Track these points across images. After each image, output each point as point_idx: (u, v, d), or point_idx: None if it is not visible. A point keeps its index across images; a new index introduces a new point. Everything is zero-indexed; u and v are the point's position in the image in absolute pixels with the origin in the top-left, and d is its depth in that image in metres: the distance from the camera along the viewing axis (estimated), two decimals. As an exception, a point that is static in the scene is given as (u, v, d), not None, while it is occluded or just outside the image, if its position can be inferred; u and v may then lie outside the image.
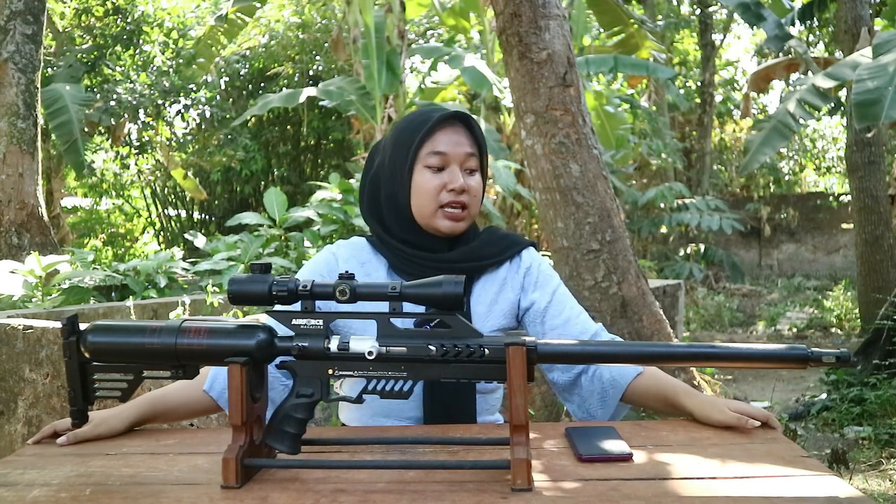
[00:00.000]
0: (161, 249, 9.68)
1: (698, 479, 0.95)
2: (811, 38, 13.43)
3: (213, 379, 1.29)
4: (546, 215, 3.37)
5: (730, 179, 16.13)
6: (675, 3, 14.98)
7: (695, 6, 14.68)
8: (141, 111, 9.72)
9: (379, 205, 1.39)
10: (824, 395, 4.58)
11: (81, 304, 3.68)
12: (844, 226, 12.99)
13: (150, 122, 10.15)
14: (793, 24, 8.45)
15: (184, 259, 4.87)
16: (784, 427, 3.83)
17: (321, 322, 1.01)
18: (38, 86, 5.96)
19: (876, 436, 3.77)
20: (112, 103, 9.19)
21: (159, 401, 1.28)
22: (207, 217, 11.51)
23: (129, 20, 10.07)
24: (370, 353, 0.99)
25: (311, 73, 10.61)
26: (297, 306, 1.02)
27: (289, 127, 10.99)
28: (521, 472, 0.92)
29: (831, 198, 13.93)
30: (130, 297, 3.81)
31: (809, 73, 7.47)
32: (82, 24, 10.30)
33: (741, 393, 5.06)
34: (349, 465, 1.02)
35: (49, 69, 9.11)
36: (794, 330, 8.30)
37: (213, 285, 3.88)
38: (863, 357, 4.63)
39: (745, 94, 10.54)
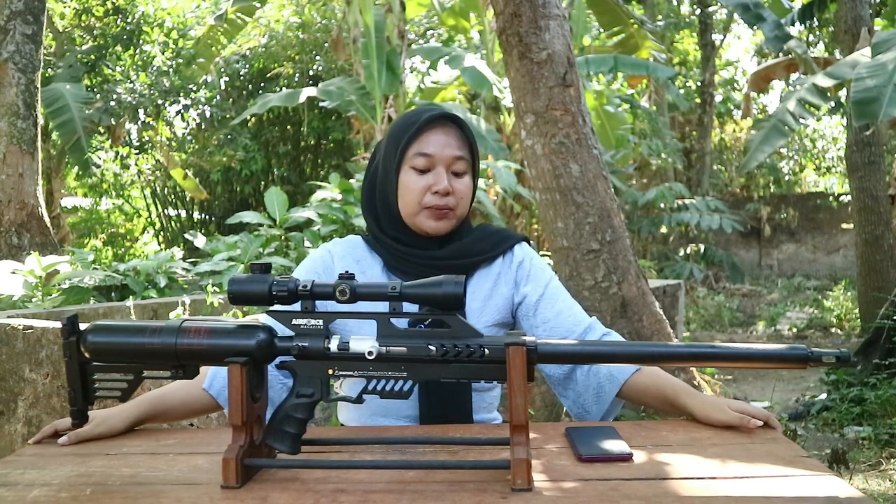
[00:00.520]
0: (161, 249, 9.68)
1: (698, 479, 0.95)
2: (811, 38, 13.43)
3: (213, 377, 1.29)
4: (546, 215, 3.37)
5: (730, 179, 16.13)
6: (675, 3, 14.98)
7: (695, 6, 14.69)
8: (141, 111, 9.73)
9: (375, 203, 1.40)
10: (824, 395, 4.58)
11: (81, 304, 3.68)
12: (844, 226, 12.99)
13: (150, 122, 10.16)
14: (793, 24, 8.44)
15: (184, 259, 4.87)
16: (784, 427, 3.83)
17: (321, 322, 1.01)
18: (38, 86, 5.96)
19: (876, 436, 3.77)
20: (112, 103, 9.19)
21: (159, 400, 1.28)
22: (207, 217, 11.51)
23: (129, 20, 10.08)
24: (370, 353, 0.99)
25: (311, 73, 10.61)
26: (297, 306, 1.02)
27: (289, 127, 10.99)
28: (521, 472, 0.92)
29: (831, 198, 13.93)
30: (130, 297, 3.81)
31: (808, 74, 7.47)
32: (82, 24, 10.30)
33: (741, 393, 5.06)
34: (349, 465, 1.02)
35: (49, 69, 9.11)
36: (794, 330, 8.30)
37: (213, 285, 3.88)
38: (863, 357, 4.63)
39: (745, 94, 10.54)
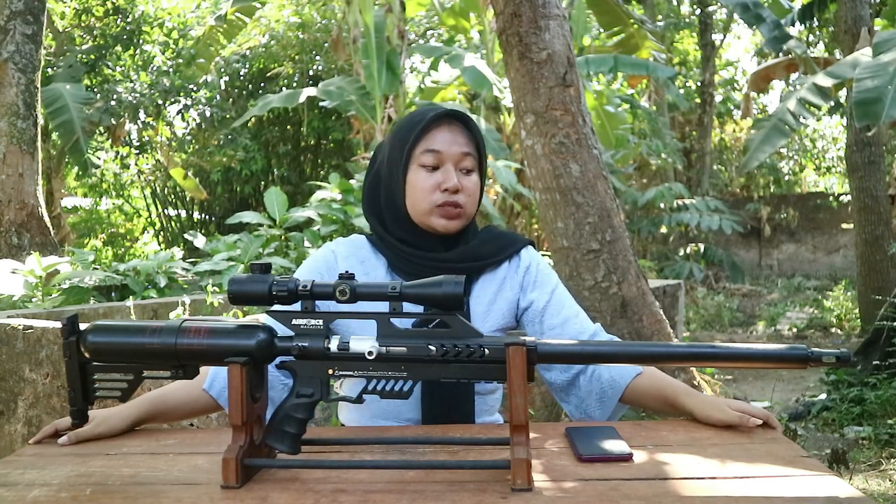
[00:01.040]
0: (161, 249, 9.67)
1: (698, 479, 0.95)
2: (811, 38, 13.43)
3: (213, 378, 1.29)
4: (546, 215, 3.37)
5: (730, 179, 16.14)
6: (675, 3, 14.98)
7: (695, 6, 14.69)
8: (141, 111, 9.73)
9: (379, 204, 1.39)
10: (824, 395, 4.58)
11: (81, 304, 3.68)
12: (844, 226, 12.99)
13: (150, 122, 10.16)
14: (792, 24, 8.45)
15: (184, 259, 4.87)
16: (784, 427, 3.83)
17: (321, 322, 1.01)
18: (38, 86, 5.96)
19: (876, 436, 3.77)
20: (112, 103, 9.19)
21: (159, 400, 1.28)
22: (207, 217, 11.51)
23: (129, 20, 10.08)
24: (370, 353, 0.99)
25: (311, 73, 10.61)
26: (297, 306, 1.02)
27: (289, 127, 10.99)
28: (521, 472, 0.92)
29: (831, 198, 13.93)
30: (130, 297, 3.81)
31: (808, 74, 7.47)
32: (82, 24, 10.30)
33: (741, 393, 5.06)
34: (349, 465, 1.02)
35: (49, 69, 9.11)
36: (794, 330, 8.30)
37: (213, 285, 3.88)
38: (863, 357, 4.63)
39: (745, 94, 10.54)
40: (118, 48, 10.11)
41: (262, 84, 10.83)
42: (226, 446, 0.97)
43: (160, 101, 9.71)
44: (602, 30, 8.78)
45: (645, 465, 1.01)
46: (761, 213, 13.58)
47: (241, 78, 10.99)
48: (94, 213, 11.89)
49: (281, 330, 1.05)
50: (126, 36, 10.05)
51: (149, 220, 12.01)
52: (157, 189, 11.34)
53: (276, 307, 1.03)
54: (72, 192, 12.22)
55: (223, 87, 10.91)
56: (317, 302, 1.02)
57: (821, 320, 8.64)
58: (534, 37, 3.25)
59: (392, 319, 1.01)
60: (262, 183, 10.59)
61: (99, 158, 10.32)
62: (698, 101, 14.42)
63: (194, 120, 10.63)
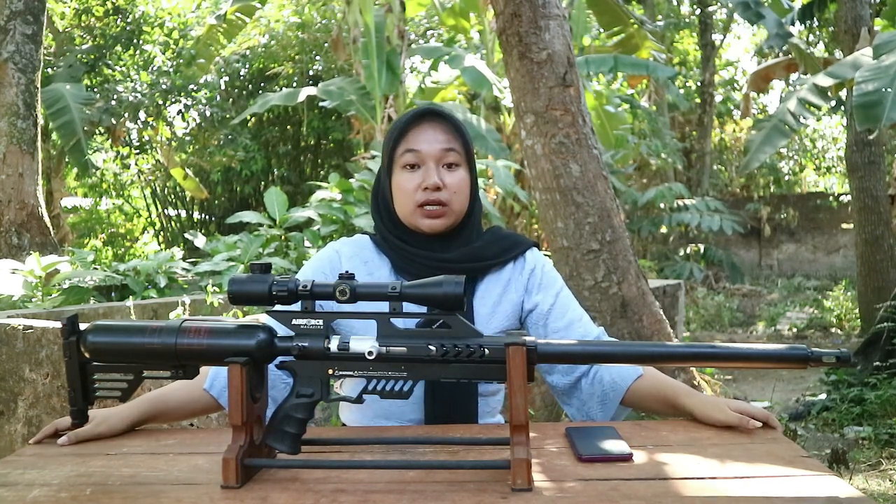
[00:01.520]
0: (161, 249, 9.67)
1: (698, 479, 0.95)
2: (811, 38, 13.43)
3: (214, 378, 1.29)
4: (546, 215, 3.37)
5: (730, 179, 16.14)
6: (675, 3, 14.98)
7: (695, 6, 14.69)
8: (141, 111, 9.73)
9: (379, 207, 1.40)
10: (824, 395, 4.57)
11: (81, 304, 3.68)
12: (844, 226, 12.99)
13: (151, 122, 10.16)
14: (792, 24, 8.45)
15: (184, 259, 4.87)
16: (784, 427, 3.83)
17: (321, 322, 1.01)
18: (38, 86, 5.96)
19: (876, 436, 3.77)
20: (112, 103, 9.19)
21: (160, 400, 1.28)
22: (207, 217, 11.51)
23: (129, 20, 10.08)
24: (370, 353, 0.99)
25: (311, 73, 10.60)
26: (297, 306, 1.02)
27: (289, 127, 10.99)
28: (521, 472, 0.92)
29: (831, 198, 13.93)
30: (130, 297, 3.81)
31: (809, 72, 7.47)
32: (82, 24, 10.30)
33: (741, 393, 5.06)
34: (349, 465, 1.02)
35: (49, 69, 9.11)
36: (794, 330, 8.30)
37: (213, 285, 3.88)
38: (863, 357, 4.63)
39: (745, 94, 10.54)
40: (118, 48, 10.11)
41: (262, 84, 10.83)
42: (226, 446, 0.97)
43: (160, 101, 9.71)
44: (602, 30, 8.78)
45: (645, 465, 1.01)
46: (761, 213, 13.58)
47: (241, 78, 10.99)
48: (94, 213, 11.89)
49: (281, 330, 1.05)
50: (126, 36, 10.05)
51: (149, 220, 12.01)
52: (157, 189, 11.34)
53: (276, 307, 1.03)
54: (72, 192, 12.22)
55: (223, 86, 10.91)
56: (317, 302, 1.02)
57: (821, 320, 8.64)
58: (534, 37, 3.25)
59: (392, 319, 1.01)
60: (262, 183, 10.59)
61: (98, 159, 10.32)
62: (698, 101, 14.42)
63: (194, 120, 10.63)
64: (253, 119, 10.45)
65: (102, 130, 9.87)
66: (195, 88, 9.96)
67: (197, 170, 10.62)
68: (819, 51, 13.33)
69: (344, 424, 1.44)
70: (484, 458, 1.06)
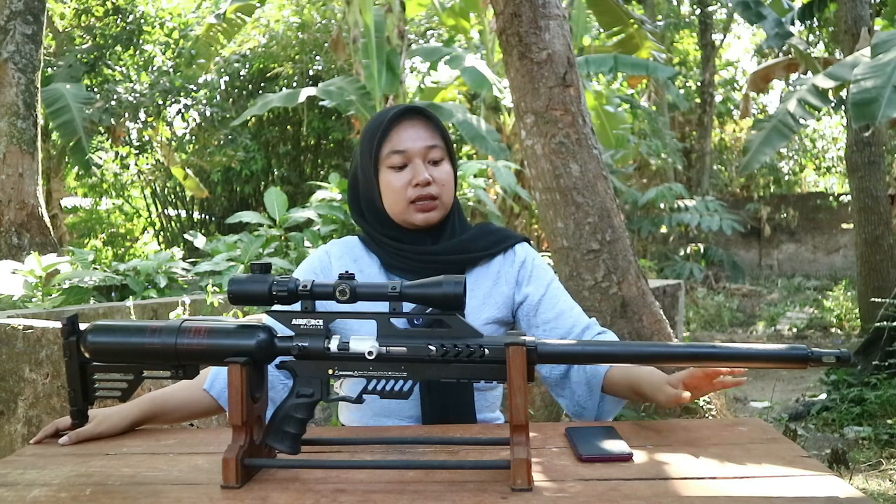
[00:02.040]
0: (161, 249, 9.67)
1: (698, 479, 0.95)
2: (811, 38, 13.43)
3: (214, 378, 1.29)
4: (546, 215, 3.37)
5: (730, 179, 16.14)
6: (675, 3, 14.98)
7: (695, 6, 14.69)
8: (141, 111, 9.73)
9: (361, 206, 1.42)
10: (824, 395, 4.57)
11: (81, 304, 3.68)
12: (844, 226, 12.99)
13: (151, 122, 10.16)
14: (792, 23, 8.45)
15: (184, 259, 4.87)
16: (784, 427, 3.83)
17: (321, 322, 1.02)
18: (38, 86, 5.95)
19: (876, 436, 3.77)
20: (112, 103, 9.19)
21: (160, 400, 1.28)
22: (207, 217, 11.50)
23: (129, 20, 10.08)
24: (370, 353, 1.00)
25: (311, 73, 10.60)
26: (297, 306, 1.02)
27: (289, 127, 10.99)
28: (521, 472, 0.92)
29: (831, 198, 13.93)
30: (130, 297, 3.81)
31: (809, 72, 7.47)
32: (82, 24, 10.30)
33: (741, 393, 5.06)
34: (349, 465, 1.02)
35: (49, 69, 9.11)
36: (794, 330, 8.30)
37: (213, 285, 3.88)
38: (863, 357, 4.63)
39: (744, 94, 10.54)
40: (118, 48, 10.11)
41: (262, 84, 10.83)
42: (226, 446, 0.98)
43: (160, 101, 9.71)
44: (602, 30, 8.77)
45: (645, 465, 1.01)
46: (761, 213, 13.58)
47: (241, 78, 10.98)
48: (94, 213, 11.89)
49: (281, 330, 1.05)
50: (126, 36, 10.05)
51: (149, 220, 12.00)
52: (157, 189, 11.34)
53: (276, 307, 1.03)
54: (72, 192, 12.22)
55: (223, 87, 10.91)
56: (316, 302, 1.02)
57: (821, 320, 8.64)
58: (534, 37, 3.24)
59: (392, 319, 1.01)
60: (262, 183, 10.59)
61: (100, 158, 10.32)
62: (698, 101, 14.42)
63: (194, 120, 10.62)
64: (253, 119, 10.44)
65: (102, 130, 9.87)
66: (195, 88, 9.96)
67: (197, 170, 10.62)
68: (819, 51, 13.33)
69: (343, 426, 1.44)
70: (484, 458, 1.06)
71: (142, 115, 9.94)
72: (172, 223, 11.41)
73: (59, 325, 1.42)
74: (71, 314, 1.08)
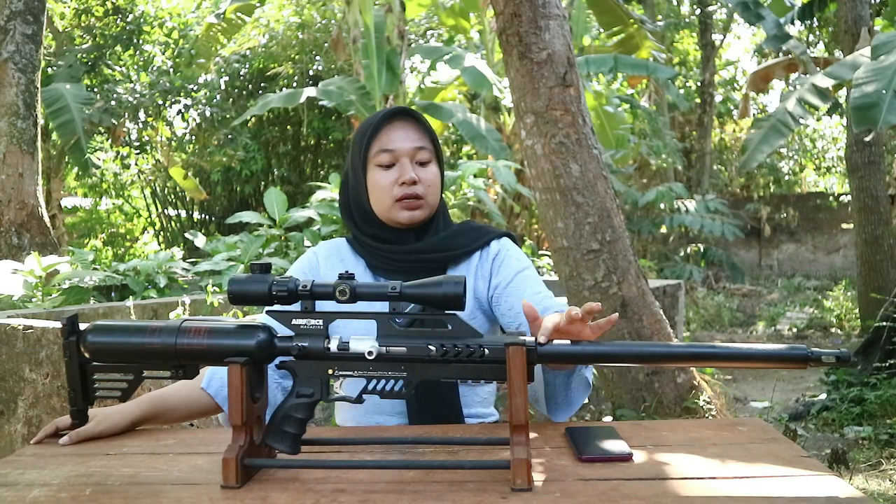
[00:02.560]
0: (161, 249, 9.66)
1: (698, 479, 0.95)
2: (811, 38, 13.43)
3: (211, 377, 1.30)
4: (546, 215, 3.37)
5: (730, 179, 16.13)
6: (675, 3, 14.98)
7: (695, 6, 14.69)
8: (141, 111, 9.73)
9: (350, 207, 1.44)
10: (824, 395, 4.57)
11: (81, 304, 3.68)
12: (844, 226, 12.99)
13: (151, 122, 10.15)
14: (792, 23, 8.44)
15: (184, 259, 4.87)
16: (784, 427, 3.83)
17: (321, 322, 1.02)
18: (38, 86, 5.96)
19: (876, 436, 3.77)
20: (112, 103, 9.19)
21: (160, 399, 1.29)
22: (207, 217, 11.50)
23: (129, 20, 10.07)
24: (370, 353, 1.00)
25: (311, 73, 10.60)
26: (296, 306, 1.02)
27: (289, 127, 10.98)
28: (521, 472, 0.92)
29: (831, 198, 13.93)
30: (130, 297, 3.81)
31: (808, 74, 7.47)
32: (82, 24, 10.30)
33: (741, 393, 5.06)
34: (349, 465, 1.03)
35: (49, 69, 9.11)
36: (794, 330, 8.29)
37: (213, 285, 3.89)
38: (863, 357, 4.63)
39: (744, 94, 10.53)
40: (118, 48, 10.11)
41: (262, 84, 10.82)
42: (226, 446, 0.98)
43: (160, 101, 9.71)
44: (602, 30, 8.78)
45: (645, 465, 1.01)
46: (761, 213, 13.58)
47: (241, 78, 10.98)
48: (94, 213, 11.88)
49: (281, 330, 1.05)
50: (126, 36, 10.05)
51: (149, 220, 12.00)
52: (157, 189, 11.33)
53: (276, 307, 1.03)
54: (72, 192, 12.22)
55: (223, 86, 10.90)
56: (316, 302, 1.02)
57: (821, 320, 8.64)
58: (534, 37, 3.24)
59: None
60: (262, 183, 10.59)
61: (99, 159, 10.31)
62: (698, 101, 14.42)
63: (194, 120, 10.62)
64: (253, 119, 10.43)
65: (102, 130, 9.87)
66: (195, 88, 9.96)
67: (197, 170, 10.62)
68: (819, 51, 13.33)
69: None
70: (484, 458, 1.06)
71: (142, 115, 9.93)
72: (172, 223, 11.41)
73: (59, 325, 1.42)
74: (71, 314, 1.08)
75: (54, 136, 8.69)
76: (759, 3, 7.60)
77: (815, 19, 8.62)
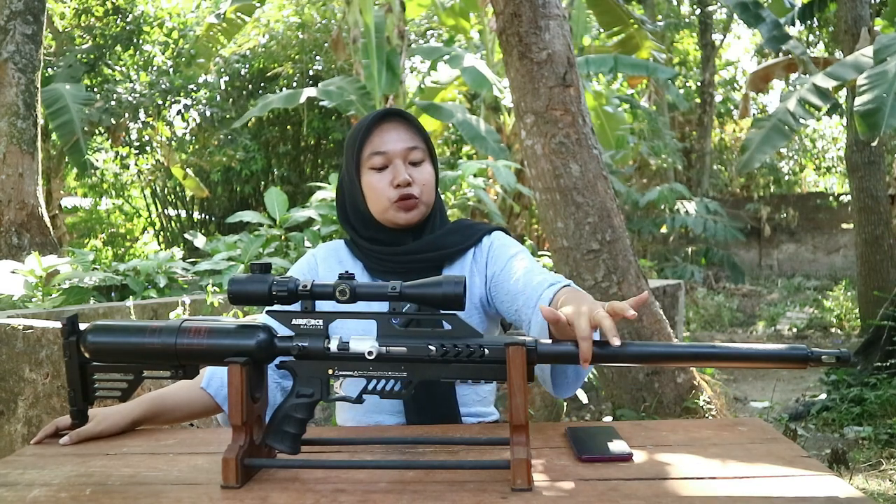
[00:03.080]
0: (161, 249, 9.67)
1: (698, 479, 0.95)
2: (811, 38, 13.43)
3: (210, 376, 1.30)
4: (546, 215, 3.37)
5: (730, 179, 16.13)
6: (675, 3, 14.98)
7: (695, 6, 14.69)
8: (141, 111, 9.73)
9: (347, 211, 1.44)
10: (824, 395, 4.57)
11: (81, 304, 3.68)
12: (844, 226, 12.99)
13: (151, 122, 10.15)
14: (792, 23, 8.44)
15: (184, 259, 4.87)
16: (784, 427, 3.83)
17: (321, 322, 1.02)
18: (38, 86, 5.95)
19: (876, 436, 3.77)
20: (112, 103, 9.19)
21: (160, 399, 1.29)
22: (207, 217, 11.50)
23: (128, 20, 10.08)
24: (370, 353, 1.00)
25: (311, 73, 10.60)
26: (296, 306, 1.02)
27: (289, 127, 10.98)
28: (521, 472, 0.92)
29: (831, 198, 13.93)
30: (130, 297, 3.81)
31: (808, 74, 7.46)
32: (82, 24, 10.30)
33: (741, 393, 5.06)
34: (349, 465, 1.03)
35: (49, 69, 9.11)
36: (794, 330, 8.29)
37: (213, 285, 3.88)
38: (863, 357, 4.63)
39: (744, 94, 10.53)
40: (118, 48, 10.11)
41: (262, 84, 10.82)
42: (226, 446, 0.98)
43: (160, 101, 9.71)
44: (602, 30, 8.77)
45: (645, 465, 1.01)
46: (761, 213, 13.57)
47: (242, 78, 10.98)
48: (94, 213, 11.89)
49: (281, 330, 1.05)
50: (126, 36, 10.05)
51: (149, 220, 12.00)
52: (157, 189, 11.34)
53: (276, 307, 1.03)
54: (72, 192, 12.22)
55: (223, 87, 10.91)
56: (316, 303, 1.02)
57: (821, 320, 8.64)
58: (534, 37, 3.24)
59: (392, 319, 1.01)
60: (262, 183, 10.58)
61: (98, 159, 10.31)
62: (698, 101, 14.42)
63: (194, 120, 10.62)
64: (253, 119, 10.44)
65: (102, 130, 9.87)
66: (195, 88, 9.96)
67: (197, 170, 10.62)
68: (819, 51, 13.33)
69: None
70: (484, 458, 1.06)
71: (142, 115, 9.93)
72: (172, 223, 11.41)
73: (59, 325, 1.42)
74: (71, 314, 1.08)
75: (54, 136, 8.69)
76: (758, 3, 7.60)
77: (814, 19, 8.61)
